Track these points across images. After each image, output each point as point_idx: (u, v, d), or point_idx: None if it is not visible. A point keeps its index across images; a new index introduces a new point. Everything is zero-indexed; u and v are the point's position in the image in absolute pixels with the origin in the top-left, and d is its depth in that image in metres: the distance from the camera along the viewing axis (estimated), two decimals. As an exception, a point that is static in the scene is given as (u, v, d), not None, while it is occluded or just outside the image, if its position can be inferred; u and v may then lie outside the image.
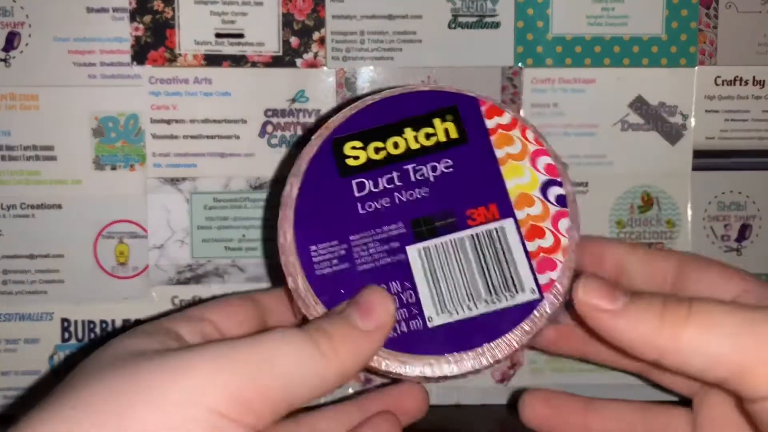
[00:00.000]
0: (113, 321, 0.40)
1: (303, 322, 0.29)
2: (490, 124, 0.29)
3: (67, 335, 0.40)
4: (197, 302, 0.29)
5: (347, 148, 0.28)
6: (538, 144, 0.29)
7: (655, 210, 0.42)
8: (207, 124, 0.40)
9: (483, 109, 0.29)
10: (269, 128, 0.40)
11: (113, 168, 0.40)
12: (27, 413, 0.21)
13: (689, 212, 0.42)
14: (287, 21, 0.40)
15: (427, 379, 0.27)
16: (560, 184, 0.28)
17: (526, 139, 0.29)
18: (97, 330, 0.40)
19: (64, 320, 0.40)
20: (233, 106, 0.40)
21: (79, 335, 0.40)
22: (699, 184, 0.42)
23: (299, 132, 0.41)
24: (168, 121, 0.40)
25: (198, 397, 0.20)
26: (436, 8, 0.40)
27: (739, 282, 0.26)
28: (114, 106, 0.40)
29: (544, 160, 0.28)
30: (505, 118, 0.29)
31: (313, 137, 0.29)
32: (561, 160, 0.29)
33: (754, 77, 0.42)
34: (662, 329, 0.22)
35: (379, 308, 0.25)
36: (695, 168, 0.42)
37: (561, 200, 0.28)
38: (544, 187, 0.28)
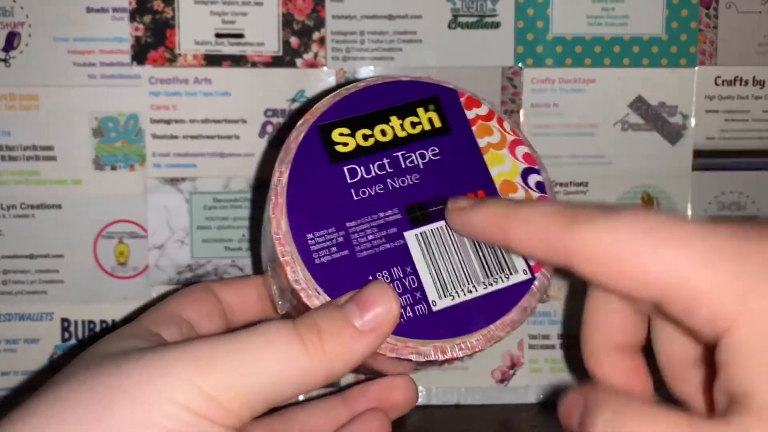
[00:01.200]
0: (113, 321, 0.40)
1: (285, 316, 0.29)
2: (469, 114, 0.30)
3: (67, 335, 0.40)
4: (165, 295, 0.29)
5: (335, 135, 0.29)
6: (515, 134, 0.30)
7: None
8: (207, 124, 0.40)
9: (462, 100, 0.30)
10: (269, 128, 0.40)
11: (113, 168, 0.40)
12: (9, 413, 0.21)
13: (689, 212, 0.42)
14: (287, 21, 0.40)
15: (432, 363, 0.27)
16: (538, 172, 0.30)
17: (504, 129, 0.30)
18: (97, 330, 0.40)
19: (64, 320, 0.40)
20: (233, 106, 0.40)
21: (79, 335, 0.40)
22: (699, 184, 0.42)
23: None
24: (168, 121, 0.40)
25: (172, 394, 0.21)
26: (436, 8, 0.40)
27: None
28: (114, 106, 0.40)
29: (521, 150, 0.30)
30: (483, 110, 0.30)
31: (298, 123, 0.29)
32: (535, 149, 0.30)
33: (754, 77, 0.42)
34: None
35: (381, 308, 0.24)
36: (695, 168, 0.42)
37: (540, 186, 0.29)
38: (524, 175, 0.30)
